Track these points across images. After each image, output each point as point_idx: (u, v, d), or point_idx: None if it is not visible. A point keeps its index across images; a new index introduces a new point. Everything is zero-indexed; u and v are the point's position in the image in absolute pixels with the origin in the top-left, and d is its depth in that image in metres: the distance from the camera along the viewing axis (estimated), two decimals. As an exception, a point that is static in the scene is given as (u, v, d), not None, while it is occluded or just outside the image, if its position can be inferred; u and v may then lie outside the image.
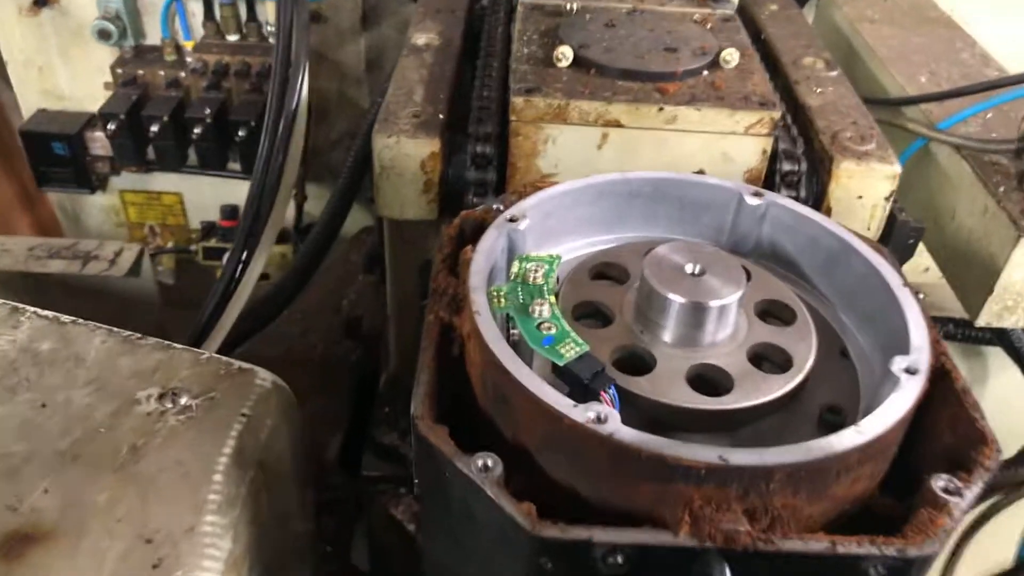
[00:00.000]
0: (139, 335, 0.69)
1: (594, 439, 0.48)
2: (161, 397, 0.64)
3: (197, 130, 1.57)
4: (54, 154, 1.68)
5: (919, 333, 0.56)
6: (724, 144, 0.86)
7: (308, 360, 1.44)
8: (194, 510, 0.56)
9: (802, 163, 0.88)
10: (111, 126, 1.58)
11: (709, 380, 0.56)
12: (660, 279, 0.57)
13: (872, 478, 0.53)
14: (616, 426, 0.48)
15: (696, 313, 0.56)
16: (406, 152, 0.88)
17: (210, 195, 1.86)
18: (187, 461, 0.59)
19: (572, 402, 0.49)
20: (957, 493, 0.50)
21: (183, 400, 0.63)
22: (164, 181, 1.84)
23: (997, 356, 1.30)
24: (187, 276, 1.91)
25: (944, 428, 0.56)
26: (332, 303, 1.60)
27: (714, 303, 0.56)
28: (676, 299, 0.56)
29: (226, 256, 1.09)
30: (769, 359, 0.58)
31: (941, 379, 0.55)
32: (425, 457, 0.52)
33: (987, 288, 0.97)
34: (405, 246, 1.03)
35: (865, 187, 0.87)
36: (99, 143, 1.70)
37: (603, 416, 0.48)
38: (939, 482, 0.50)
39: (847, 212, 0.89)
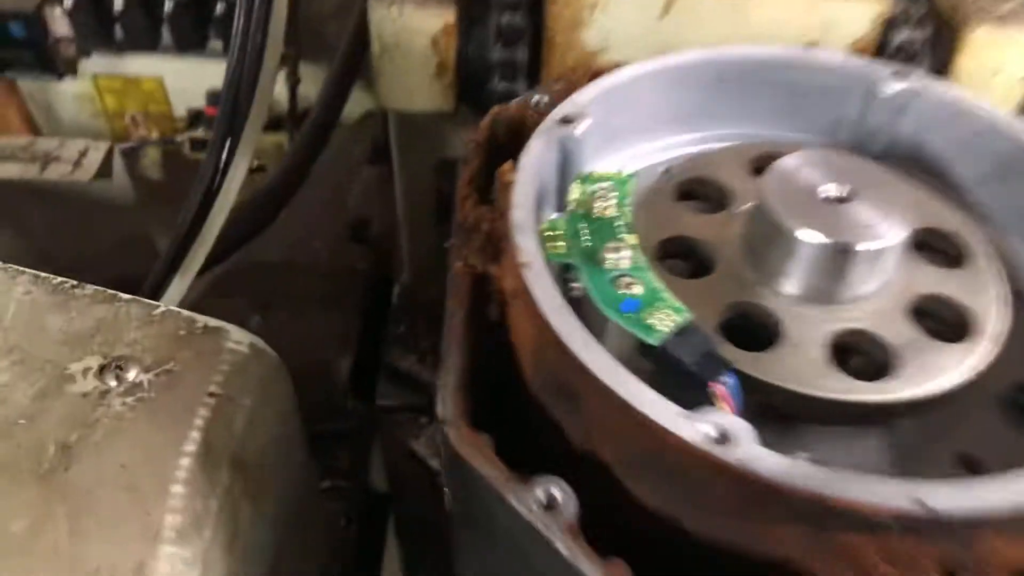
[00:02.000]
0: (74, 283, 0.52)
1: (715, 467, 0.32)
2: (102, 371, 0.48)
3: (169, 4, 1.36)
4: (12, 36, 1.48)
5: None
6: (825, 8, 0.67)
7: (312, 269, 1.28)
8: (145, 538, 0.41)
9: (923, 28, 0.68)
10: (69, 2, 1.37)
11: (859, 353, 0.40)
12: (788, 207, 0.40)
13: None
14: (749, 450, 0.32)
15: (843, 259, 0.39)
16: (413, 26, 0.70)
17: (194, 79, 1.66)
18: (135, 466, 0.43)
19: (678, 409, 0.33)
20: None
21: (131, 375, 0.47)
22: (141, 64, 1.64)
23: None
24: (174, 170, 1.73)
25: None
26: (335, 201, 1.43)
27: (869, 246, 0.39)
28: (815, 239, 0.39)
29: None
30: (937, 317, 0.42)
31: None
32: (460, 477, 0.37)
33: None
34: (416, 141, 0.86)
35: (1005, 59, 0.68)
36: (61, 22, 1.49)
37: (728, 433, 0.32)
38: None
39: (977, 93, 0.70)
